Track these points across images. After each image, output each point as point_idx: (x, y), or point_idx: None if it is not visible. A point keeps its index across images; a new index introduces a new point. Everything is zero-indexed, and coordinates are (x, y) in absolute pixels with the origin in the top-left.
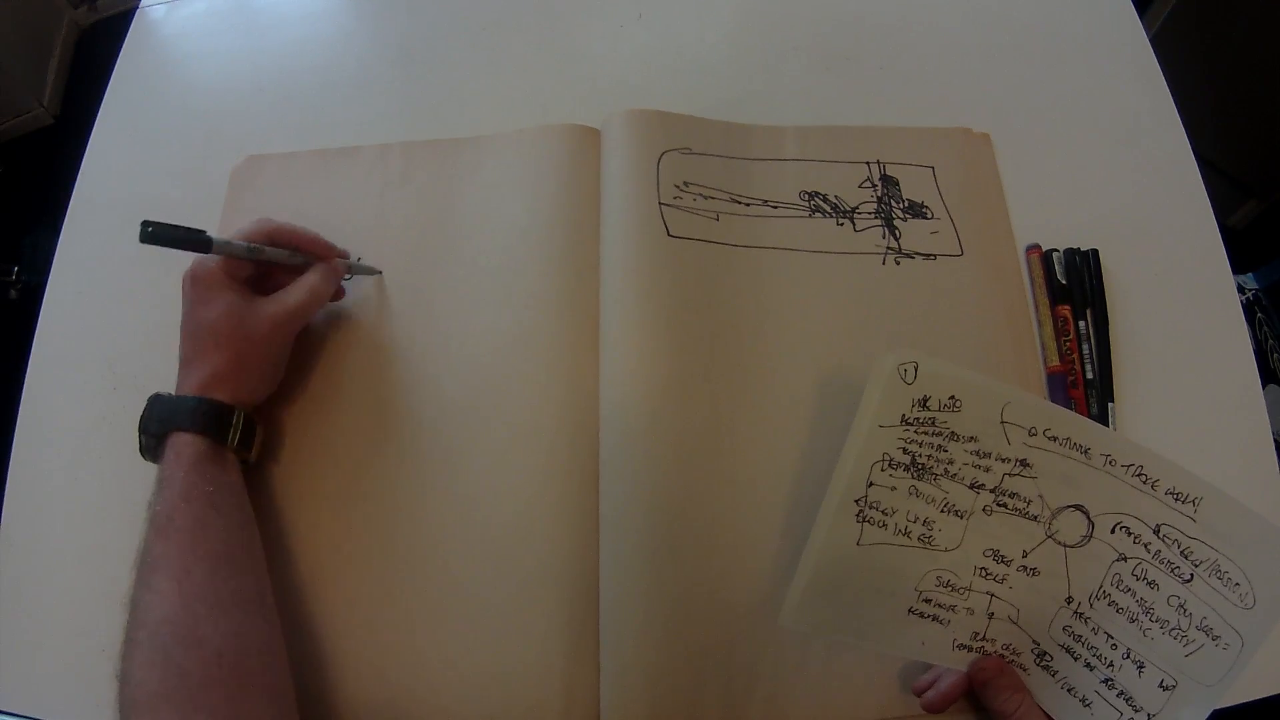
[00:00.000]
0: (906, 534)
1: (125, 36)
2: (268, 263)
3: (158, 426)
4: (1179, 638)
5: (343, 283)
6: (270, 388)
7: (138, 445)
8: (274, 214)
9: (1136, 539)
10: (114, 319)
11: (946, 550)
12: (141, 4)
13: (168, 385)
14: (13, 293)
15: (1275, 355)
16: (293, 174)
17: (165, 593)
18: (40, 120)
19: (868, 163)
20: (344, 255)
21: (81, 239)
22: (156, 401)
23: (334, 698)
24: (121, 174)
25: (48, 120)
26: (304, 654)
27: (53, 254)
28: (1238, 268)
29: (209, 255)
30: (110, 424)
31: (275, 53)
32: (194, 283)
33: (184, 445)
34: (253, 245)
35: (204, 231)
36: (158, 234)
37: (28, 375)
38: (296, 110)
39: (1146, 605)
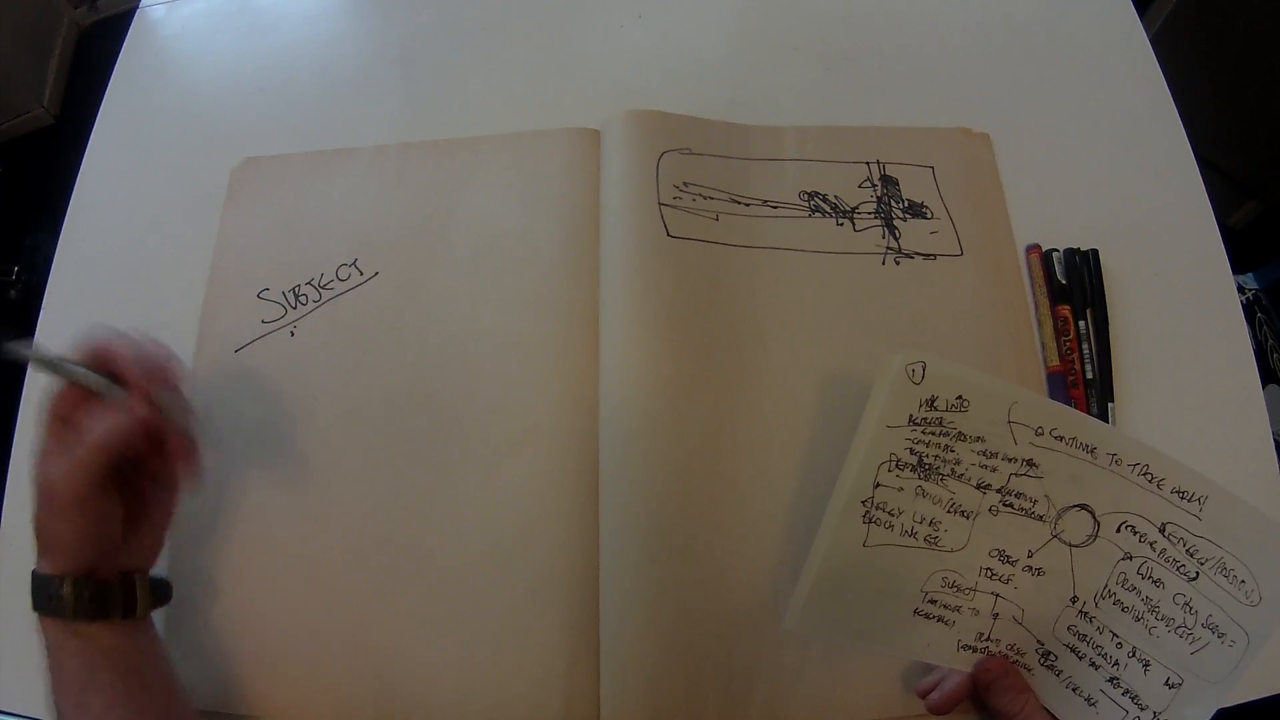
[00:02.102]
0: (913, 535)
1: (125, 36)
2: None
3: (33, 608)
4: (1185, 635)
5: (196, 470)
6: (106, 540)
7: None
8: (271, 216)
9: (1142, 538)
10: (114, 319)
11: (952, 551)
12: (141, 4)
13: None
14: (13, 293)
15: (1275, 355)
16: (290, 175)
17: None
18: (40, 120)
19: (867, 163)
20: (172, 389)
21: (81, 239)
22: (32, 578)
23: (334, 698)
24: (121, 174)
25: (48, 120)
26: (304, 654)
27: (53, 254)
28: (1238, 268)
29: (64, 387)
30: None
31: (275, 53)
32: (48, 416)
33: (44, 628)
34: (62, 361)
35: (22, 338)
36: None
37: (28, 376)
38: (296, 111)
39: (1152, 604)
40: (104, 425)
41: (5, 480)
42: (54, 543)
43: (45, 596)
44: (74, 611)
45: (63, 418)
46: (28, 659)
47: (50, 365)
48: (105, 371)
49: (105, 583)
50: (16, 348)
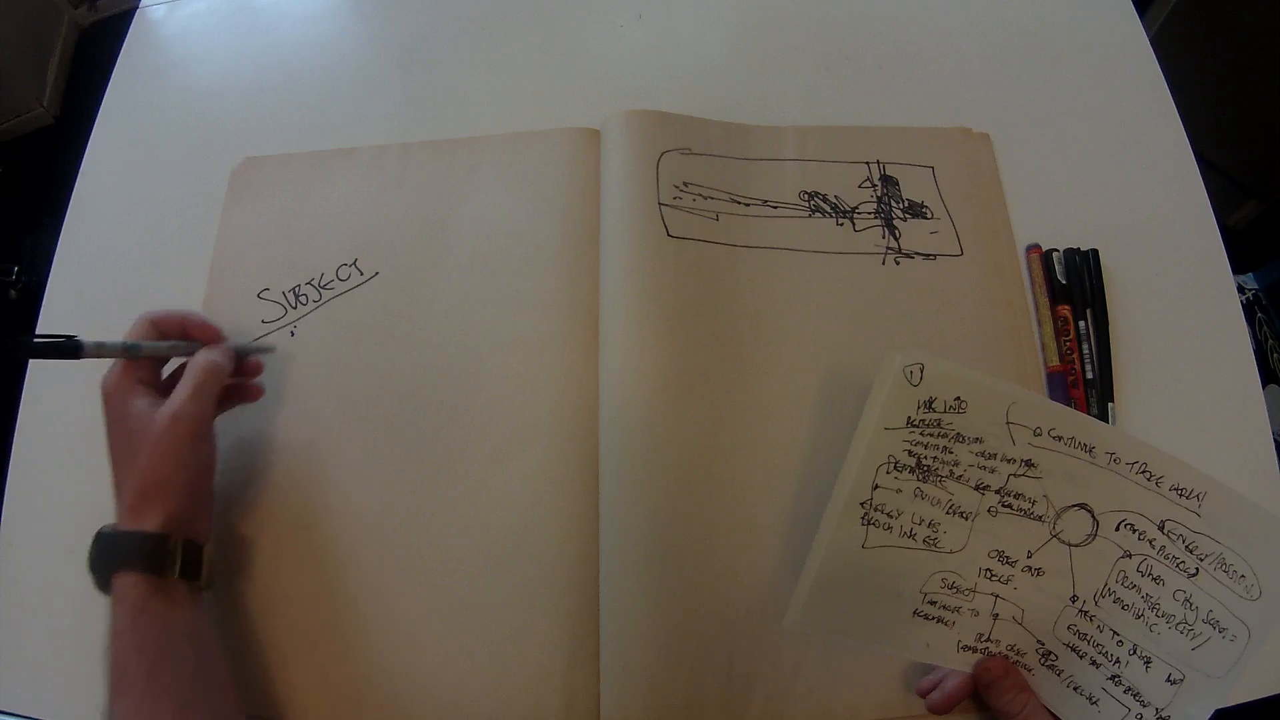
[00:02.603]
0: (912, 536)
1: (125, 36)
2: (162, 358)
3: (100, 567)
4: (1185, 631)
5: (258, 382)
6: (202, 493)
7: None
8: (272, 216)
9: (1141, 535)
10: (114, 319)
11: (952, 552)
12: (141, 4)
13: None
14: (13, 293)
15: (1275, 355)
16: (290, 175)
17: None
18: (40, 120)
19: (867, 163)
20: (225, 338)
21: (81, 239)
22: (98, 538)
23: (335, 698)
24: (121, 174)
25: (48, 120)
26: (303, 653)
27: (53, 254)
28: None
29: (112, 368)
30: None
31: (275, 53)
32: (105, 400)
33: (127, 588)
34: (129, 343)
35: (73, 337)
36: (27, 348)
37: (28, 375)
38: (296, 111)
39: (1152, 601)
40: (209, 359)
41: (5, 480)
42: (160, 497)
43: (147, 553)
44: (180, 570)
45: (140, 384)
46: (28, 659)
47: (127, 350)
48: (174, 333)
49: (198, 546)
50: (90, 345)
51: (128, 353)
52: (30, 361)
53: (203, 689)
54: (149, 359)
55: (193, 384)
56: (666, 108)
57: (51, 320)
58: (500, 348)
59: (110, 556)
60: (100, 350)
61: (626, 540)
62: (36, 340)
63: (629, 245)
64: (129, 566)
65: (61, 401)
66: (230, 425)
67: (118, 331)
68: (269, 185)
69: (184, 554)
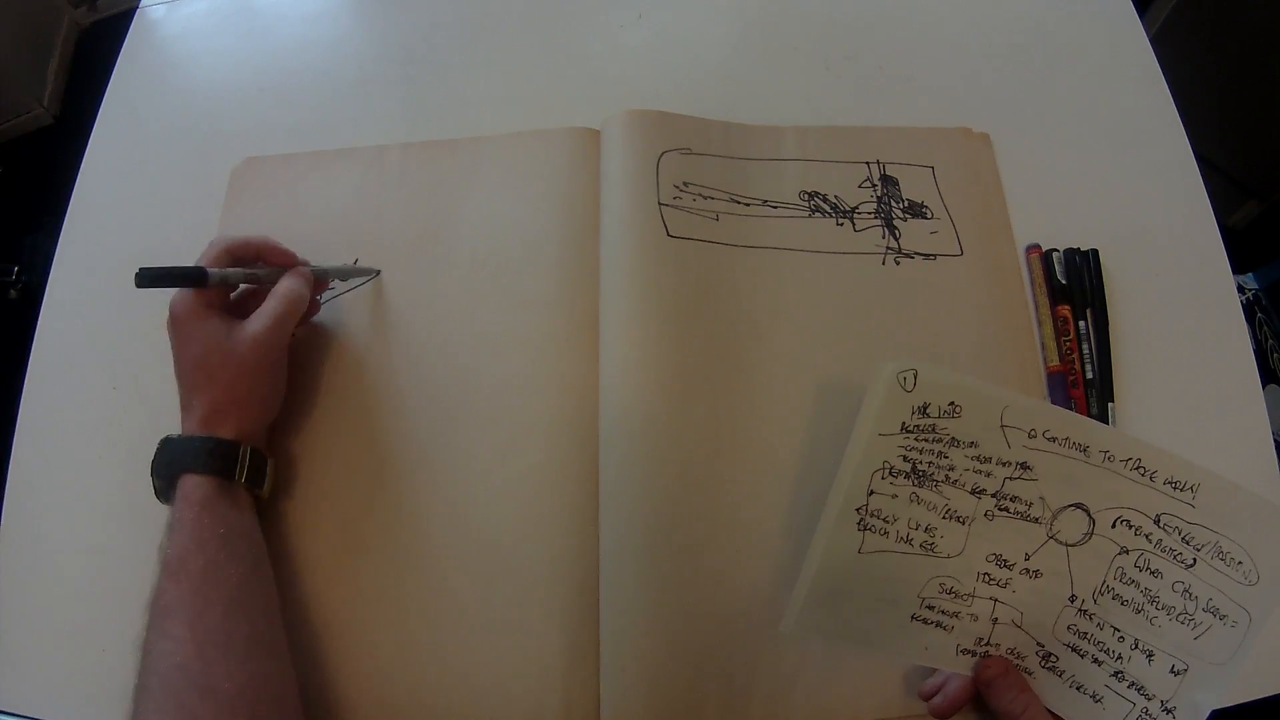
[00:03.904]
0: (908, 541)
1: (125, 36)
2: (251, 284)
3: (166, 470)
4: (1186, 622)
5: (318, 297)
6: (272, 412)
7: (152, 489)
8: (272, 216)
9: (1138, 530)
10: (114, 318)
11: (949, 557)
12: (141, 4)
13: (167, 384)
14: (13, 293)
15: (1275, 355)
16: (291, 175)
17: (178, 638)
18: (40, 120)
19: (867, 163)
20: (304, 263)
21: (81, 239)
22: (166, 444)
23: (335, 698)
24: (121, 174)
25: (48, 120)
26: (304, 654)
27: (53, 254)
28: (1238, 268)
29: (184, 291)
30: (110, 423)
31: (275, 53)
32: (174, 322)
33: (193, 487)
34: (249, 271)
35: (202, 269)
36: (153, 277)
37: (28, 375)
38: (296, 111)
39: (1151, 594)
40: (294, 287)
41: (5, 480)
42: (236, 411)
43: (219, 456)
44: (247, 476)
45: (217, 305)
46: (28, 659)
47: (249, 278)
48: (254, 259)
49: (263, 456)
50: (215, 274)
51: (248, 279)
52: (31, 359)
53: (254, 590)
54: (221, 286)
55: (278, 311)
56: (666, 108)
57: (52, 320)
58: (500, 348)
59: (180, 458)
60: (224, 279)
61: (626, 540)
62: (164, 270)
63: (629, 245)
64: (198, 469)
65: (61, 401)
66: None
67: (117, 332)
68: (269, 185)
69: (251, 460)
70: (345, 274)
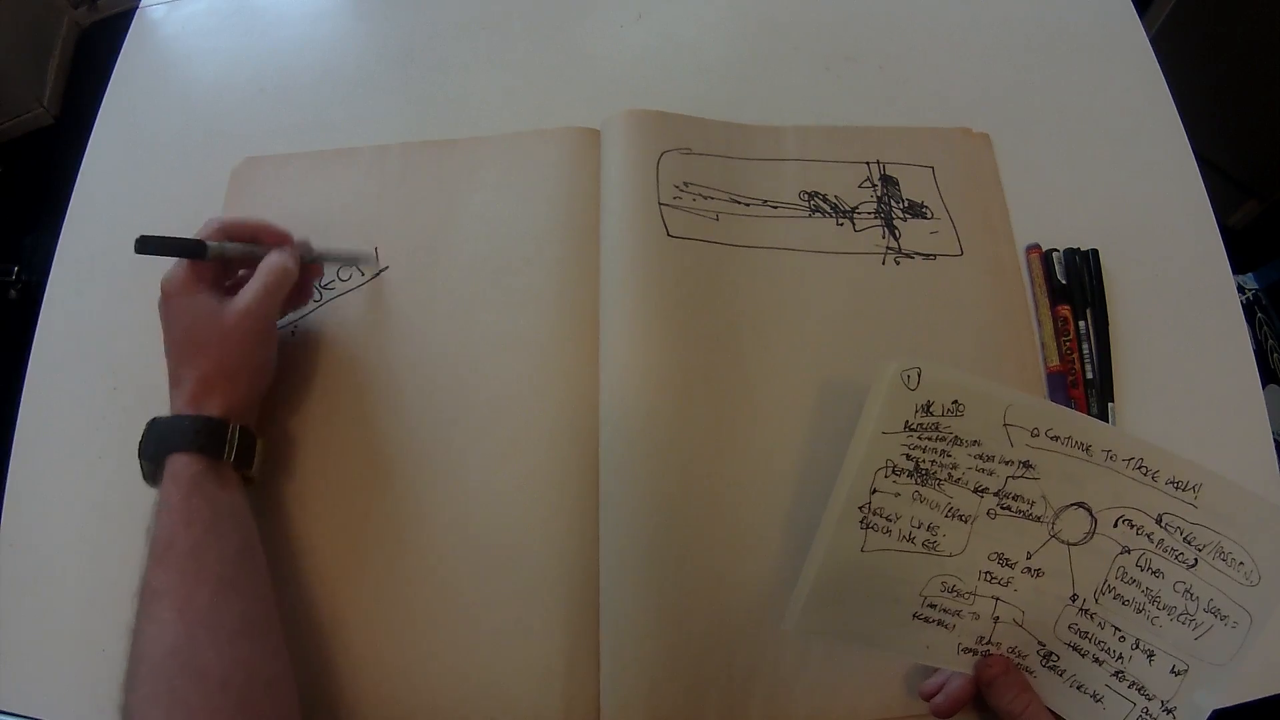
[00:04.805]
0: (911, 540)
1: (125, 36)
2: (240, 260)
3: (154, 450)
4: (1187, 622)
5: (317, 285)
6: (261, 389)
7: (140, 471)
8: (272, 216)
9: (1139, 530)
10: (114, 318)
11: (951, 555)
12: (141, 4)
13: (166, 383)
14: (13, 293)
15: (1275, 355)
16: (291, 175)
17: (167, 622)
18: (40, 120)
19: (867, 163)
20: (303, 242)
21: (81, 239)
22: (153, 425)
23: (335, 697)
24: (121, 174)
25: (48, 120)
26: (304, 654)
27: (53, 254)
28: (1238, 268)
29: (175, 268)
30: (110, 423)
31: (275, 53)
32: (166, 299)
33: (181, 467)
34: (246, 246)
35: (201, 241)
36: (153, 245)
37: (28, 375)
38: (296, 111)
39: (1153, 594)
40: (280, 261)
41: (5, 480)
42: (224, 386)
43: (207, 434)
44: (237, 456)
45: (207, 280)
46: (28, 659)
47: (242, 252)
48: (246, 238)
49: (252, 435)
50: (214, 247)
51: (245, 254)
52: (31, 359)
53: (244, 570)
54: (214, 260)
55: (264, 283)
56: (666, 108)
57: (52, 320)
58: (500, 347)
59: (167, 438)
60: (222, 252)
61: (627, 540)
62: (165, 239)
63: (629, 245)
64: (186, 447)
65: (61, 401)
66: None
67: (117, 332)
68: (269, 185)
69: (240, 439)
70: (345, 258)
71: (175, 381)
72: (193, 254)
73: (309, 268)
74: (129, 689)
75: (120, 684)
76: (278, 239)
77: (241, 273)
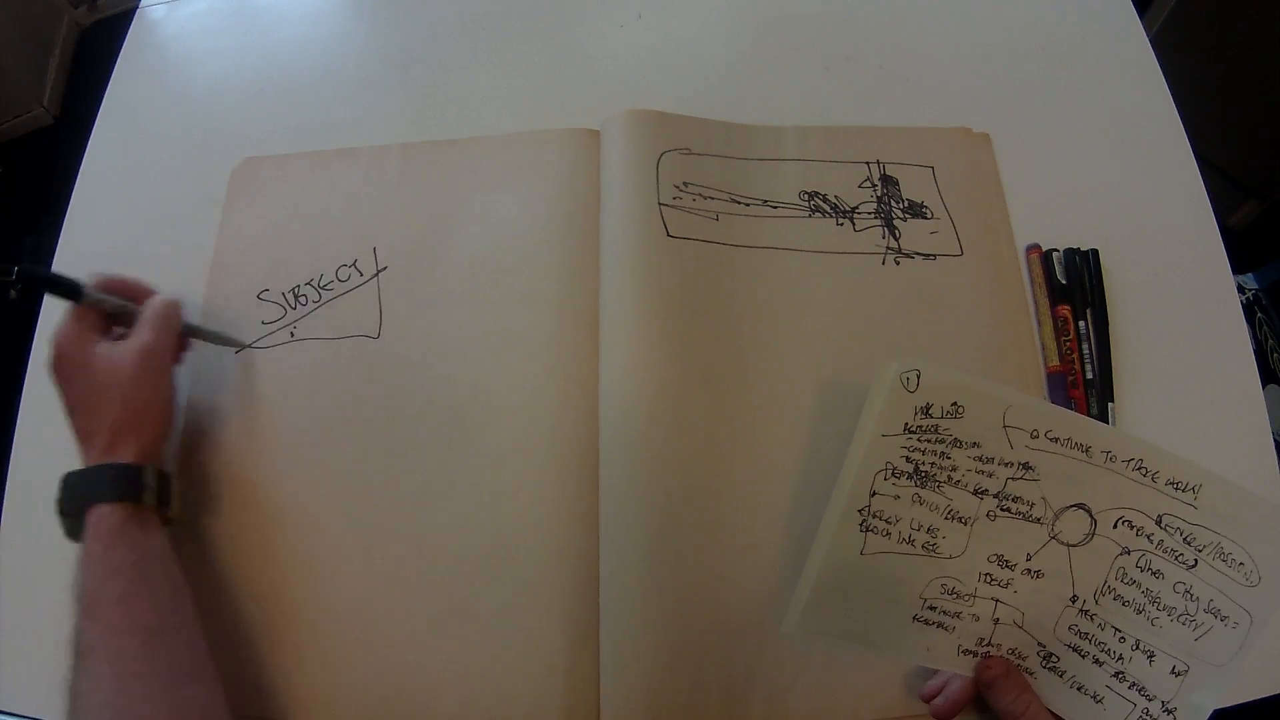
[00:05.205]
0: (910, 542)
1: (125, 36)
2: (115, 315)
3: (73, 505)
4: (1187, 623)
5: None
6: (168, 427)
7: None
8: (272, 216)
9: (1139, 531)
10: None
11: (951, 557)
12: (141, 4)
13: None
14: (13, 293)
15: (1275, 355)
16: (291, 175)
17: (100, 675)
18: (40, 120)
19: (867, 163)
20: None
21: (81, 239)
22: (68, 480)
23: (335, 697)
24: (121, 174)
25: (48, 120)
26: (304, 653)
27: (53, 254)
28: (1238, 268)
29: (63, 326)
30: None
31: (275, 53)
32: (60, 357)
33: (101, 518)
34: (123, 301)
35: (77, 281)
36: (33, 278)
37: (28, 375)
38: (296, 110)
39: (1153, 595)
40: (162, 300)
41: (5, 480)
42: (136, 429)
43: (125, 482)
44: (156, 498)
45: (99, 332)
46: (28, 659)
47: (118, 306)
48: (124, 295)
49: (167, 475)
50: (82, 287)
51: (122, 308)
52: (31, 359)
53: (174, 613)
54: (98, 311)
55: (154, 320)
56: (666, 108)
57: (52, 320)
58: (500, 348)
59: (85, 491)
60: (99, 301)
61: (627, 540)
62: (47, 275)
63: (629, 245)
64: (105, 497)
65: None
66: (229, 422)
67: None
68: (269, 185)
69: (158, 481)
70: (215, 339)
71: (85, 436)
72: (69, 294)
73: (191, 330)
74: None
75: None
76: (146, 295)
77: (117, 331)
